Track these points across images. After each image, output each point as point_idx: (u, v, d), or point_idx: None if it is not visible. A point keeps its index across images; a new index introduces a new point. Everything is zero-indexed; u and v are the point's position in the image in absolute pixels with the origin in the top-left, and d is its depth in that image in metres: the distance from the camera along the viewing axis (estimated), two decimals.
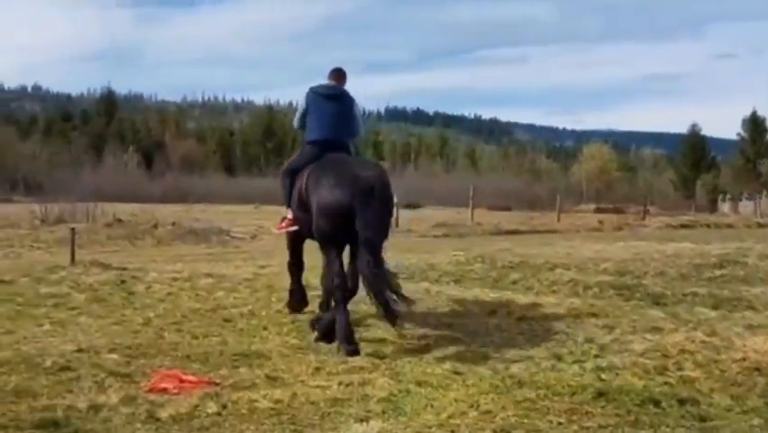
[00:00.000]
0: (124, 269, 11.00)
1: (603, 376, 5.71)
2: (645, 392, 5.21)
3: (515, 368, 5.96)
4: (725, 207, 61.51)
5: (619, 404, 4.97)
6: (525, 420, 4.65)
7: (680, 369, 5.87)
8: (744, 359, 6.06)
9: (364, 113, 9.13)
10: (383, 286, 6.67)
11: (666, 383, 5.52)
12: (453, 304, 8.64)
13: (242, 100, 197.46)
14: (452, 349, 6.59)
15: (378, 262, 6.65)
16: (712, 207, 62.65)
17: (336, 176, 6.88)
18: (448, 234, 21.12)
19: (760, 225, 28.03)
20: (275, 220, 10.17)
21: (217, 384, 5.42)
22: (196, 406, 4.90)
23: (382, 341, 6.89)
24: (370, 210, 6.68)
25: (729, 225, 27.42)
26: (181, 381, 5.46)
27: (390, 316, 6.68)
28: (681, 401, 5.04)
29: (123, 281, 10.00)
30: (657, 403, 4.99)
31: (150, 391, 5.26)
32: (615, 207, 46.53)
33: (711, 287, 10.10)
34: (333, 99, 7.65)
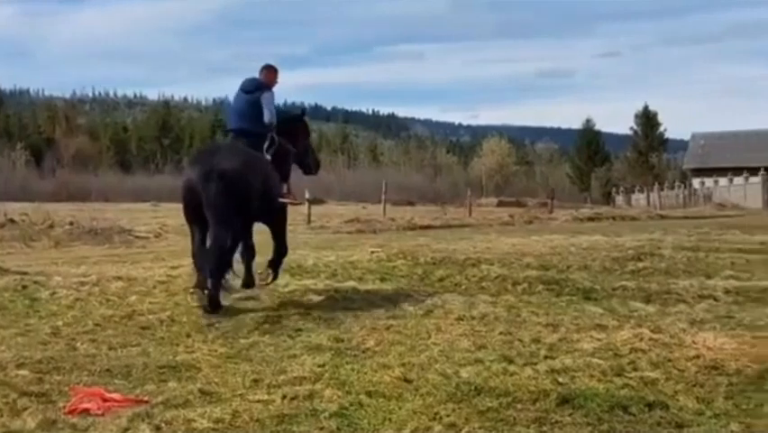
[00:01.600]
0: (24, 273, 10.17)
1: (560, 379, 5.40)
2: (610, 397, 4.93)
3: (465, 373, 5.60)
4: (619, 199, 63.18)
5: (587, 411, 4.66)
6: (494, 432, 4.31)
7: (636, 369, 5.62)
8: (698, 357, 5.86)
9: (286, 104, 9.89)
10: (206, 265, 7.69)
11: (627, 386, 5.25)
12: (386, 303, 8.24)
13: (135, 96, 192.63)
14: (394, 353, 6.18)
15: (205, 240, 7.80)
16: (606, 200, 64.34)
17: (190, 161, 8.37)
18: (363, 230, 20.72)
19: (662, 217, 28.69)
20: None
21: (146, 402, 4.86)
22: (126, 429, 4.36)
23: (318, 347, 6.42)
24: (205, 194, 7.65)
25: (633, 218, 27.94)
26: (105, 399, 4.88)
27: (202, 295, 7.64)
28: (650, 406, 4.77)
29: (24, 287, 9.20)
30: (626, 409, 4.71)
31: (71, 412, 4.66)
32: (517, 201, 47.10)
33: (638, 280, 10.02)
34: (247, 92, 8.53)
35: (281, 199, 8.69)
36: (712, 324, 6.99)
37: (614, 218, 27.13)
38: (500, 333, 6.80)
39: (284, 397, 4.95)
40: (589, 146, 79.19)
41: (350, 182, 61.21)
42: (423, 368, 5.74)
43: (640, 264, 11.59)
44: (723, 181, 52.17)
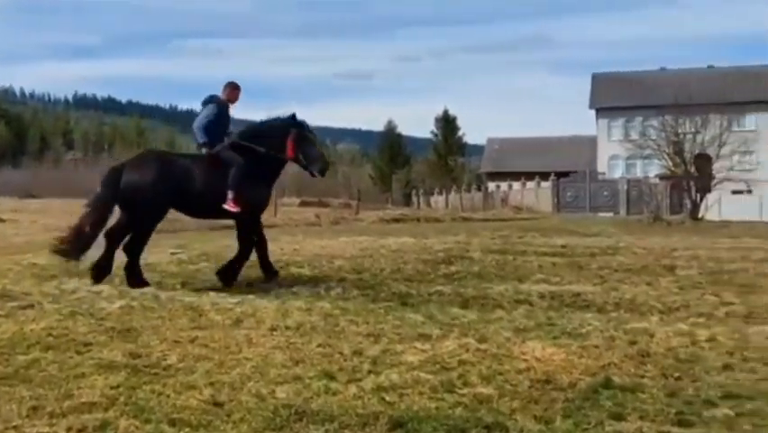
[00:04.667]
0: None
1: (388, 398, 4.91)
2: (445, 419, 4.49)
3: (282, 392, 5.00)
4: (418, 201, 64.41)
5: None
6: None
7: (467, 384, 5.22)
8: (529, 369, 5.55)
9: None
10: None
11: (460, 404, 4.83)
12: (190, 312, 7.44)
13: None
14: (201, 371, 5.47)
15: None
16: (407, 201, 65.48)
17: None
18: (160, 230, 19.39)
19: (465, 219, 29.18)
20: None
21: None
22: None
23: (112, 365, 5.58)
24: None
25: (437, 219, 28.23)
26: None
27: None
28: (488, 428, 4.37)
29: None
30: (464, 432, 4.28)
31: None
32: (320, 201, 46.82)
33: (453, 285, 9.78)
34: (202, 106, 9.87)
35: (224, 205, 9.28)
36: (536, 332, 6.74)
37: (418, 220, 27.31)
38: (318, 345, 6.23)
39: (69, 429, 4.21)
40: (391, 148, 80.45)
41: None
42: (234, 388, 5.08)
43: (452, 268, 11.42)
44: (516, 185, 54.24)
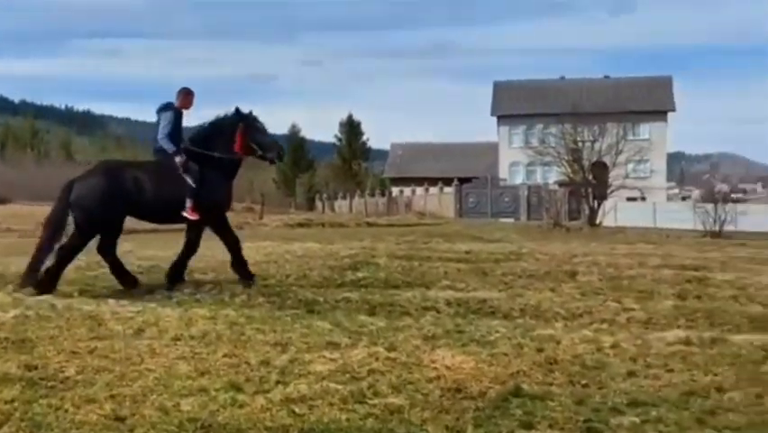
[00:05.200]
0: None
1: (297, 410, 4.81)
2: (356, 430, 4.44)
3: (187, 405, 4.84)
4: (322, 205, 64.24)
5: None
6: None
7: (377, 394, 5.15)
8: (439, 378, 5.53)
9: None
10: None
11: (371, 415, 4.76)
12: (89, 321, 7.16)
13: None
14: (101, 383, 5.25)
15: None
16: (310, 206, 65.25)
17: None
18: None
19: (369, 224, 29.19)
20: None
21: None
22: None
23: (6, 378, 5.30)
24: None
25: (342, 224, 28.16)
26: None
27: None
28: None
29: None
30: None
31: None
32: None
33: (360, 291, 9.69)
34: (156, 114, 9.79)
35: (182, 213, 9.39)
36: (445, 339, 6.72)
37: (323, 225, 27.19)
38: (224, 355, 6.08)
39: None
40: (294, 152, 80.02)
41: (40, 181, 56.70)
42: (136, 401, 4.90)
43: (359, 274, 11.34)
44: (420, 190, 54.72)
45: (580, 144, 38.68)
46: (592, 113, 42.25)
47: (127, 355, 6.01)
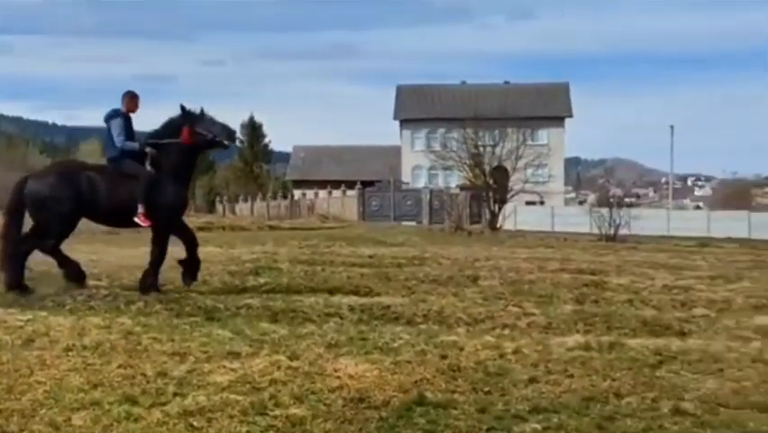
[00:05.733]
0: None
1: (195, 423, 4.67)
2: None
3: (79, 419, 4.66)
4: (222, 207, 63.42)
5: None
6: None
7: (279, 405, 5.05)
8: (342, 387, 5.45)
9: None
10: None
11: (272, 427, 4.67)
12: None
13: None
14: None
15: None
16: (211, 208, 64.34)
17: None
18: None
19: (271, 228, 28.90)
20: None
21: None
22: None
23: None
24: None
25: (244, 228, 27.78)
26: None
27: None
28: None
29: None
30: None
31: None
32: None
33: (262, 297, 9.52)
34: (105, 122, 9.91)
35: (134, 219, 9.48)
36: (348, 347, 6.63)
37: (224, 228, 26.77)
38: (119, 366, 5.86)
39: None
40: None
41: None
42: (25, 416, 4.70)
43: (261, 279, 11.19)
44: (323, 193, 54.57)
45: (480, 149, 39.25)
46: (493, 118, 42.97)
47: (15, 367, 5.73)
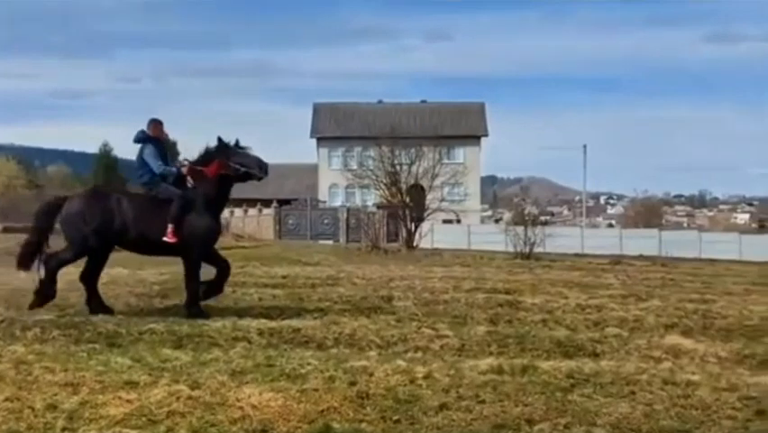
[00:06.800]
0: None
1: None
2: None
3: None
4: None
5: None
6: None
7: None
8: (244, 418, 5.20)
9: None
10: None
11: None
12: None
13: None
14: None
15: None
16: None
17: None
18: None
19: None
20: None
21: None
22: None
23: None
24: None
25: None
26: None
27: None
28: None
29: None
30: None
31: None
32: (26, 227, 43.45)
33: (167, 322, 9.14)
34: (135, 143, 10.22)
35: (164, 238, 9.55)
36: (253, 374, 6.36)
37: None
38: (6, 399, 5.50)
39: None
40: (106, 171, 77.05)
41: None
42: None
43: (167, 302, 10.83)
44: (238, 212, 53.84)
45: (397, 167, 39.28)
46: (409, 136, 43.12)
47: None
